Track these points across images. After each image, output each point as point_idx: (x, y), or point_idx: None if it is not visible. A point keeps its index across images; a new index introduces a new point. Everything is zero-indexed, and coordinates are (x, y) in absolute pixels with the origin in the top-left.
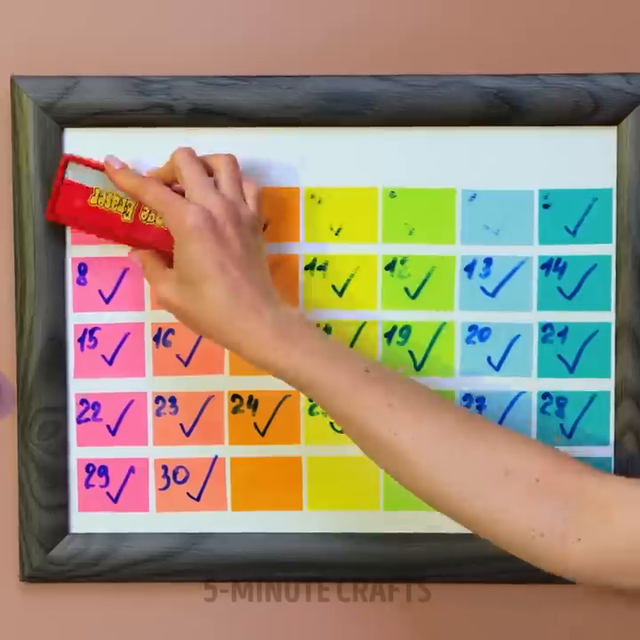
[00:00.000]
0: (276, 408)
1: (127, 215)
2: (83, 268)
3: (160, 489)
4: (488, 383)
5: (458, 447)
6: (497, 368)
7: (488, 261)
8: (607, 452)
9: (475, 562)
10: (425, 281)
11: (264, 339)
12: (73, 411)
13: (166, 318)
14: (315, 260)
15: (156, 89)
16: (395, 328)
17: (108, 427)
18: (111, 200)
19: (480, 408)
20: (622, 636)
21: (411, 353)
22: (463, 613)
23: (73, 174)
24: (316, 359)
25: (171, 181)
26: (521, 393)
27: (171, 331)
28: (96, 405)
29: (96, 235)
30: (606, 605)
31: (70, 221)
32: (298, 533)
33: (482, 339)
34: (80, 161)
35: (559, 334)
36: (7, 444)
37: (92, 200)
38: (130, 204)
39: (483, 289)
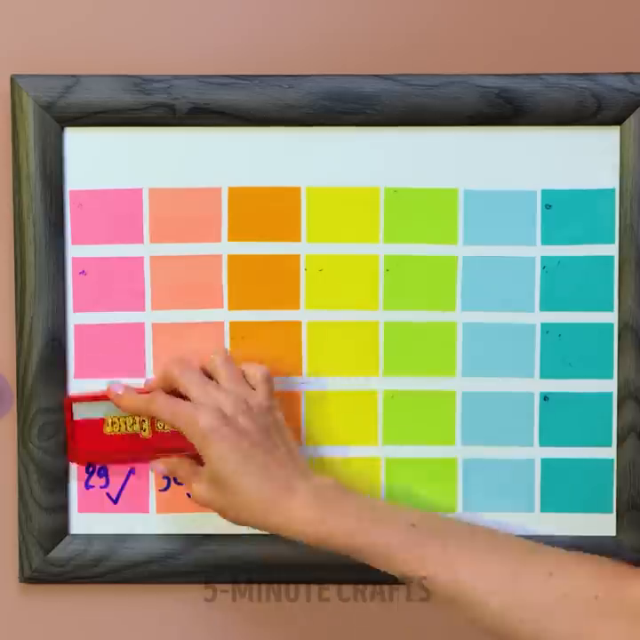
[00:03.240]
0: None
1: (145, 431)
2: (83, 269)
3: (160, 490)
4: (489, 384)
5: (523, 582)
6: (498, 369)
7: (490, 262)
8: (609, 453)
9: None
10: (426, 281)
11: (302, 515)
12: None
13: (166, 318)
14: (316, 260)
15: (156, 88)
16: (396, 329)
17: None
18: (125, 423)
19: (481, 408)
20: None
21: (412, 354)
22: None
23: (80, 412)
24: (357, 522)
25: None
26: (522, 394)
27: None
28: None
29: (126, 461)
30: None
31: (96, 457)
32: None
33: (483, 339)
34: (82, 398)
35: (561, 335)
36: (7, 444)
37: (107, 429)
38: (144, 420)
39: (485, 289)
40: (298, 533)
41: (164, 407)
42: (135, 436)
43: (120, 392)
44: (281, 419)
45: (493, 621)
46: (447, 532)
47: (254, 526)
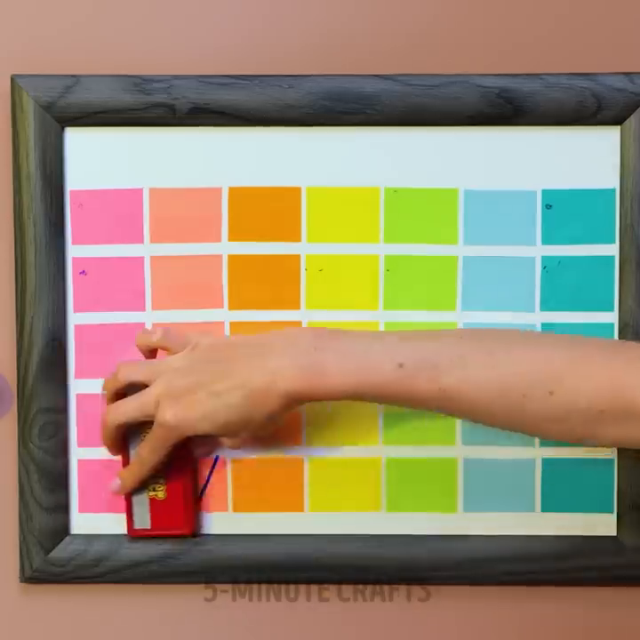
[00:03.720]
0: None
1: (161, 491)
2: (83, 269)
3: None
4: None
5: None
6: None
7: (490, 262)
8: (610, 453)
9: (475, 563)
10: (427, 282)
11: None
12: (73, 411)
13: (166, 318)
14: (316, 260)
15: (156, 88)
16: (397, 329)
17: None
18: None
19: None
20: (622, 635)
21: None
22: (463, 614)
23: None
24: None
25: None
26: None
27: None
28: (96, 406)
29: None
30: (607, 605)
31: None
32: (299, 535)
33: None
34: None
35: None
36: (7, 444)
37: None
38: (158, 484)
39: (485, 289)
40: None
41: (123, 409)
42: (153, 498)
43: (116, 489)
44: (205, 341)
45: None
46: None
47: (273, 419)
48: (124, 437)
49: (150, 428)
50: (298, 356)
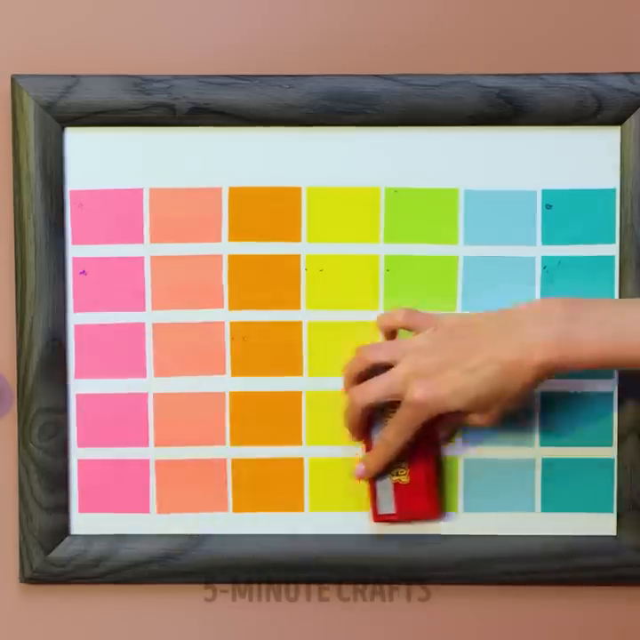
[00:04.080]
0: (278, 409)
1: (404, 476)
2: (83, 269)
3: (161, 490)
4: None
5: None
6: None
7: (490, 262)
8: (610, 453)
9: (475, 563)
10: (427, 282)
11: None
12: (73, 411)
13: (166, 318)
14: (316, 260)
15: (156, 88)
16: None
17: (109, 428)
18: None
19: None
20: (622, 635)
21: None
22: (463, 614)
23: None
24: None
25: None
26: None
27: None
28: (96, 406)
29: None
30: (607, 605)
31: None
32: (299, 535)
33: None
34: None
35: None
36: (7, 444)
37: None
38: (401, 468)
39: (485, 289)
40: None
41: (371, 390)
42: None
43: (362, 467)
44: (449, 320)
45: None
46: None
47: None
48: (369, 421)
49: (393, 412)
50: (552, 328)
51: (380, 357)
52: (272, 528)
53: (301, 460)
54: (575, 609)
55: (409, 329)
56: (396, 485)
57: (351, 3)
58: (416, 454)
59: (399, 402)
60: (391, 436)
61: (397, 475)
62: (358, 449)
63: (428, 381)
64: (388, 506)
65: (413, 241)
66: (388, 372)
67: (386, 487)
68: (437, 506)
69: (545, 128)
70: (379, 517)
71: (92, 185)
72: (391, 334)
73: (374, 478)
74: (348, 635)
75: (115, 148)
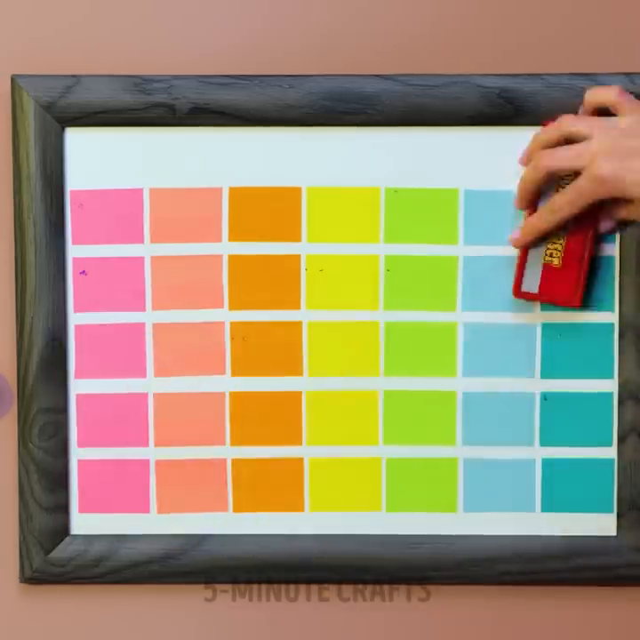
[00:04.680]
0: (278, 409)
1: (557, 258)
2: (83, 269)
3: (161, 490)
4: (490, 384)
5: None
6: (499, 369)
7: (491, 262)
8: (610, 453)
9: (475, 563)
10: (427, 282)
11: None
12: (73, 411)
13: (166, 318)
14: (316, 260)
15: (156, 88)
16: (396, 329)
17: (109, 428)
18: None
19: (481, 408)
20: (622, 635)
21: (412, 354)
22: (463, 614)
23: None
24: None
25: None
26: (523, 394)
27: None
28: (96, 406)
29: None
30: (607, 605)
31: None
32: (299, 535)
33: (484, 339)
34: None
35: (561, 335)
36: (7, 444)
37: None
38: (556, 250)
39: (485, 289)
40: None
41: (559, 156)
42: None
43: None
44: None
45: None
46: None
47: None
48: (540, 190)
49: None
50: None
51: (580, 128)
52: (272, 528)
53: (301, 460)
54: (575, 609)
55: (616, 109)
56: (546, 266)
57: (351, 3)
58: (574, 239)
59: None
60: (562, 202)
61: (551, 256)
62: (358, 449)
63: (620, 162)
64: (532, 284)
65: (413, 241)
66: (582, 143)
67: (535, 265)
68: (581, 295)
69: None
70: (520, 294)
71: (92, 185)
72: (592, 112)
73: (525, 253)
74: (347, 635)
75: (115, 148)
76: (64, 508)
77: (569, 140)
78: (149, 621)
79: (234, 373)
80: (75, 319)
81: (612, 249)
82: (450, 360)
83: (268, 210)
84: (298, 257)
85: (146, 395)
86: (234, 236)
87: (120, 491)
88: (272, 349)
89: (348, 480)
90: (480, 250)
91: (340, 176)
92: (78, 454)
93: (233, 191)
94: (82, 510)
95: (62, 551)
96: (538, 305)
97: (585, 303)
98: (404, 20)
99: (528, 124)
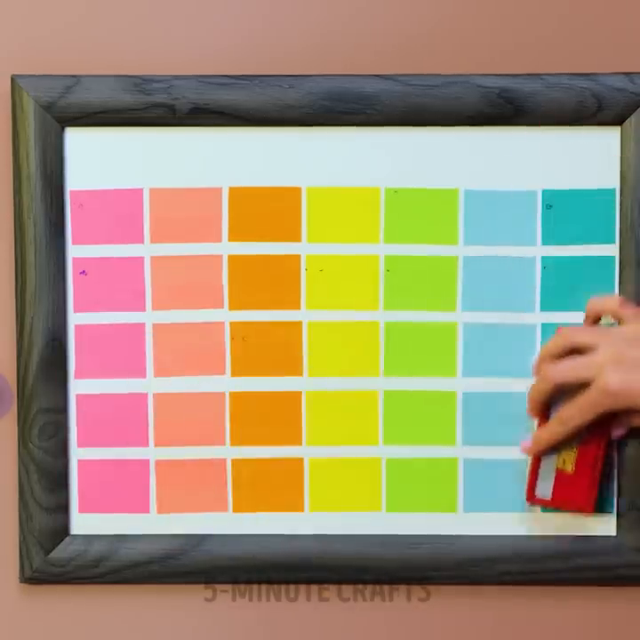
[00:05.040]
0: (278, 409)
1: (570, 464)
2: (83, 269)
3: (161, 490)
4: (490, 384)
5: None
6: (499, 369)
7: (490, 262)
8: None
9: (475, 563)
10: (427, 282)
11: None
12: (73, 411)
13: (166, 318)
14: (316, 260)
15: (156, 88)
16: (396, 329)
17: (109, 428)
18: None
19: (481, 408)
20: (622, 635)
21: (412, 354)
22: (463, 614)
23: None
24: None
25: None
26: (523, 394)
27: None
28: (96, 406)
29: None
30: (606, 605)
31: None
32: (299, 535)
33: (484, 339)
34: None
35: None
36: (7, 444)
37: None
38: (568, 456)
39: (485, 289)
40: None
41: (567, 368)
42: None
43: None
44: None
45: None
46: None
47: None
48: (550, 400)
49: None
50: None
51: (586, 339)
52: (272, 528)
53: (301, 460)
54: (575, 609)
55: (618, 318)
56: (560, 473)
57: (351, 3)
58: (586, 447)
59: (584, 388)
60: (569, 415)
61: (563, 463)
62: (358, 449)
63: (627, 373)
64: (546, 490)
65: (413, 241)
66: (588, 355)
67: (548, 472)
68: (595, 501)
69: (545, 128)
70: (534, 499)
71: (92, 185)
72: (595, 320)
73: (538, 459)
74: (348, 635)
75: (115, 148)
76: (64, 508)
77: (576, 350)
78: (149, 621)
79: (234, 373)
80: (75, 319)
81: (612, 249)
82: (450, 360)
83: (267, 210)
84: (298, 257)
85: (146, 395)
86: (234, 236)
87: (120, 491)
88: (272, 349)
89: (348, 480)
90: (480, 250)
91: (340, 176)
92: (78, 454)
93: (233, 191)
94: (82, 510)
95: (62, 551)
96: (538, 305)
97: (596, 508)
98: (403, 20)
99: (528, 124)
